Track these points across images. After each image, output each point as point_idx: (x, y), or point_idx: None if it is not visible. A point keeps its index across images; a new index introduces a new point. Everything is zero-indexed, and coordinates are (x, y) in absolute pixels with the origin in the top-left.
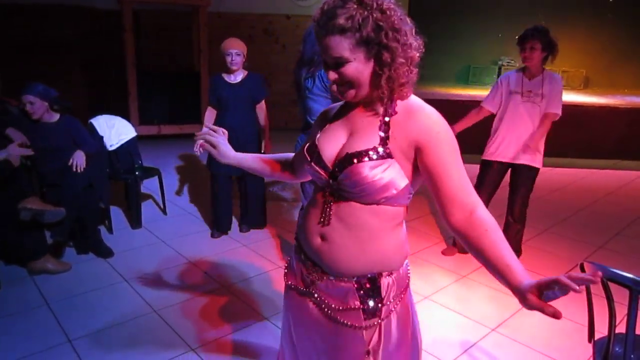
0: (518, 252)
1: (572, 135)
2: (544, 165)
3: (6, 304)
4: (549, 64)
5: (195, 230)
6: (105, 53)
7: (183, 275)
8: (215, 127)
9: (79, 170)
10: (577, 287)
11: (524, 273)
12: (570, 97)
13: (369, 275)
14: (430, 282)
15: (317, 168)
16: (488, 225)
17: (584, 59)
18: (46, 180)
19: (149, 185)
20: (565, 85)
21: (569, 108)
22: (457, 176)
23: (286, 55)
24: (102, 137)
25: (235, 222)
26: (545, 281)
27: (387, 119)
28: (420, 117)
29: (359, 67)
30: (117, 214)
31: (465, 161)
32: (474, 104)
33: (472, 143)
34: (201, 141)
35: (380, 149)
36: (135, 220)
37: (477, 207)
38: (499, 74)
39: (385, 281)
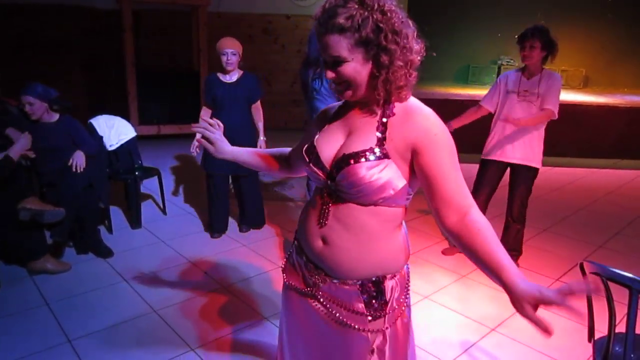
0: (518, 251)
1: (571, 135)
2: (544, 164)
3: (6, 304)
4: (548, 63)
5: (195, 230)
6: (105, 53)
7: (183, 275)
8: (212, 121)
9: (78, 171)
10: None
11: (517, 272)
12: (570, 96)
13: (373, 279)
14: (430, 281)
15: (315, 169)
16: (481, 225)
17: (583, 58)
18: (46, 180)
19: (148, 185)
20: (565, 85)
21: (568, 107)
22: (454, 179)
23: (286, 55)
24: (101, 137)
25: (234, 222)
26: (547, 298)
27: (384, 120)
28: (417, 118)
29: (356, 68)
30: (116, 214)
31: (464, 161)
32: (474, 103)
33: (471, 143)
34: (197, 141)
35: (377, 150)
36: (135, 220)
37: (472, 209)
38: (498, 74)
39: (389, 284)
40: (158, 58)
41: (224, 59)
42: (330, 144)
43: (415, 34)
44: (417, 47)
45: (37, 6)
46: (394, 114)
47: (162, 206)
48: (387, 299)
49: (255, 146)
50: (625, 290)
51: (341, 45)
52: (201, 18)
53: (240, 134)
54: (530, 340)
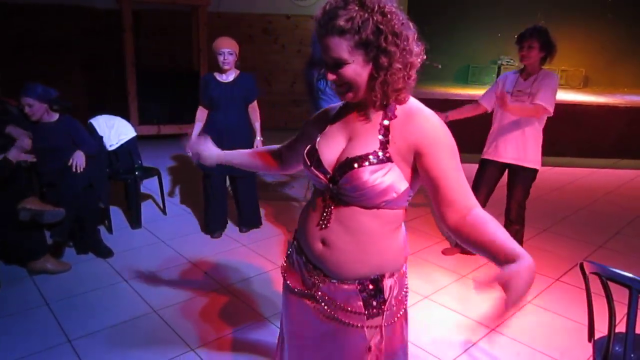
0: None
1: (571, 134)
2: (544, 164)
3: (6, 304)
4: (547, 64)
5: (195, 230)
6: (105, 53)
7: (183, 276)
8: (199, 138)
9: (78, 171)
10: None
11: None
12: (570, 96)
13: (372, 277)
14: (430, 281)
15: (317, 172)
16: (485, 218)
17: (583, 58)
18: (46, 180)
19: (148, 185)
20: (565, 84)
21: (568, 107)
22: (456, 180)
23: (286, 55)
24: (101, 137)
25: (233, 223)
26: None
27: (386, 122)
28: (419, 120)
29: (357, 69)
30: (116, 214)
31: (465, 161)
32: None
33: (472, 143)
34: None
35: (380, 153)
36: (135, 220)
37: (475, 209)
38: (498, 74)
39: (388, 282)
40: (158, 58)
41: (220, 58)
42: (331, 147)
43: (416, 36)
44: (417, 50)
45: (37, 6)
46: (395, 116)
47: (162, 206)
48: (386, 298)
49: (252, 146)
50: (625, 290)
51: (341, 47)
52: (201, 18)
53: (237, 134)
54: (530, 340)
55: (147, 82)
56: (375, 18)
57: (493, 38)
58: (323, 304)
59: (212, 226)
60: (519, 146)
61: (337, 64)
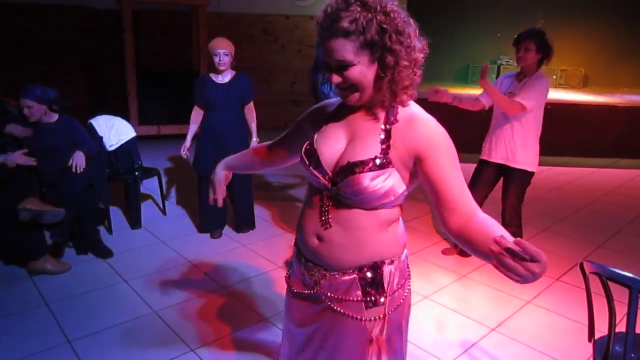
0: None
1: (571, 134)
2: (543, 164)
3: (6, 304)
4: (544, 65)
5: (195, 231)
6: (105, 53)
7: (183, 276)
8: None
9: (78, 171)
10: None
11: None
12: (570, 95)
13: (371, 264)
14: (430, 281)
15: (316, 172)
16: (487, 222)
17: (583, 57)
18: (46, 181)
19: (148, 186)
20: (565, 84)
21: (568, 107)
22: (457, 184)
23: (285, 55)
24: (101, 138)
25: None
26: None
27: (388, 127)
28: (420, 126)
29: (362, 70)
30: (116, 214)
31: (464, 160)
32: None
33: (472, 143)
34: (187, 146)
35: (381, 159)
36: (134, 221)
37: (476, 212)
38: (498, 74)
39: (387, 269)
40: (158, 58)
41: (216, 59)
42: (331, 147)
43: (417, 32)
44: (419, 45)
45: (37, 6)
46: (397, 121)
47: (162, 206)
48: (385, 285)
49: (248, 147)
50: (625, 290)
51: (346, 49)
52: (201, 18)
53: (233, 135)
54: (530, 340)
55: (147, 82)
56: (378, 18)
57: (493, 38)
58: (325, 299)
59: (207, 226)
60: (508, 147)
61: (342, 66)
